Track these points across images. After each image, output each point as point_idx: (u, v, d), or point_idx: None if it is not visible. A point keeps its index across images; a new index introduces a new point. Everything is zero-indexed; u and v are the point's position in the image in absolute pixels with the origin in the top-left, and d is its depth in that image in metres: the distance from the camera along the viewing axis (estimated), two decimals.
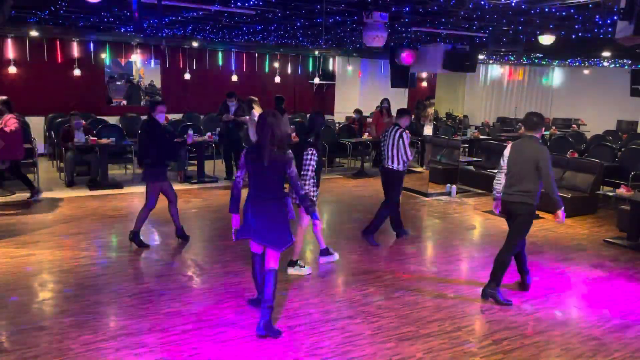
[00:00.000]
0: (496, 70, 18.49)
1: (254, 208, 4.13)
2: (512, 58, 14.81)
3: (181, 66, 13.97)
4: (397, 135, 6.57)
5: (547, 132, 14.91)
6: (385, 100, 11.70)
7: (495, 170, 5.39)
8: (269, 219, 4.12)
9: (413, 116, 13.49)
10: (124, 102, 13.68)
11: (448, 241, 6.98)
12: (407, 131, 6.69)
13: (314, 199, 5.39)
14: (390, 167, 6.63)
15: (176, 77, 13.97)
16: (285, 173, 4.13)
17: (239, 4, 6.56)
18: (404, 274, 5.63)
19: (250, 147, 4.30)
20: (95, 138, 9.26)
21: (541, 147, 4.82)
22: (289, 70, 15.76)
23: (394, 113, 11.28)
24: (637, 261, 6.37)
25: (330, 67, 16.48)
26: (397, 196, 6.86)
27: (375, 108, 15.41)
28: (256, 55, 15.01)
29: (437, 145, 11.23)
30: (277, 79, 15.26)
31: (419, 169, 12.09)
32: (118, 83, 13.58)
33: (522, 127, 5.12)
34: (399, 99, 15.04)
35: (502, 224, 7.80)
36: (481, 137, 13.67)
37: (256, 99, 9.69)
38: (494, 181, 5.14)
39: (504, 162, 5.01)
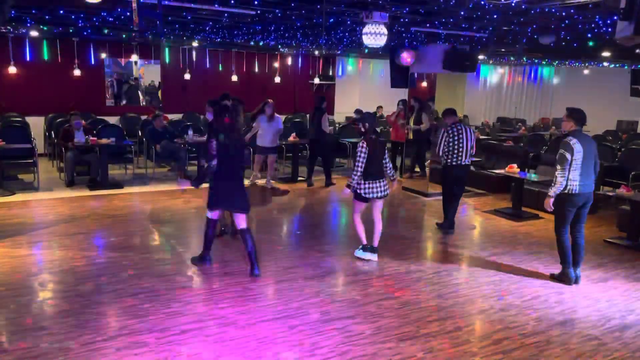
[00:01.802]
0: (496, 70, 18.49)
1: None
2: (512, 58, 14.81)
3: (181, 66, 13.98)
4: (472, 131, 7.13)
5: (547, 132, 14.93)
6: (401, 101, 11.29)
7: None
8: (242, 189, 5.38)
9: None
10: (123, 102, 13.69)
11: (448, 241, 6.98)
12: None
13: (357, 187, 5.76)
14: (468, 163, 7.10)
15: (176, 77, 13.98)
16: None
17: (239, 3, 6.57)
18: (402, 274, 5.63)
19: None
20: (95, 138, 9.27)
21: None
22: (289, 70, 15.77)
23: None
24: (637, 261, 6.37)
25: (330, 67, 16.49)
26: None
27: (376, 108, 15.44)
28: (256, 55, 15.02)
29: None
30: (277, 79, 15.26)
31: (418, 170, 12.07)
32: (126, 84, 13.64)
33: (571, 123, 5.29)
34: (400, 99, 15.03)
35: (502, 224, 7.84)
36: (481, 137, 13.66)
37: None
38: (558, 178, 5.21)
39: (573, 157, 5.15)
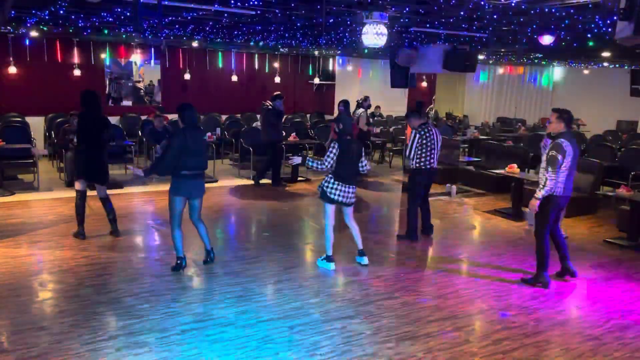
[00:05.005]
0: (496, 70, 18.48)
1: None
2: (512, 58, 14.80)
3: (181, 66, 13.97)
4: (439, 133, 6.81)
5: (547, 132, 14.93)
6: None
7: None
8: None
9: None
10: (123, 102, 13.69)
11: (448, 241, 6.98)
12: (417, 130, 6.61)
13: (325, 185, 5.46)
14: (437, 167, 6.88)
15: (176, 77, 13.97)
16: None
17: (239, 4, 6.56)
18: (402, 274, 5.63)
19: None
20: None
21: None
22: (289, 70, 15.77)
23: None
24: (637, 261, 6.37)
25: (330, 67, 16.49)
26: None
27: (374, 108, 15.41)
28: (256, 55, 15.02)
29: None
30: (277, 79, 15.27)
31: None
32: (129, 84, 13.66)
33: (562, 125, 5.19)
34: (399, 99, 15.04)
35: (502, 224, 7.84)
36: (481, 137, 13.67)
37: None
38: (549, 180, 5.08)
39: (565, 158, 5.06)
